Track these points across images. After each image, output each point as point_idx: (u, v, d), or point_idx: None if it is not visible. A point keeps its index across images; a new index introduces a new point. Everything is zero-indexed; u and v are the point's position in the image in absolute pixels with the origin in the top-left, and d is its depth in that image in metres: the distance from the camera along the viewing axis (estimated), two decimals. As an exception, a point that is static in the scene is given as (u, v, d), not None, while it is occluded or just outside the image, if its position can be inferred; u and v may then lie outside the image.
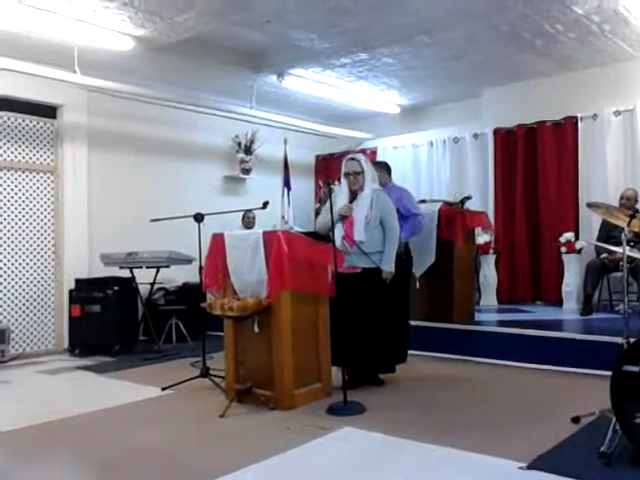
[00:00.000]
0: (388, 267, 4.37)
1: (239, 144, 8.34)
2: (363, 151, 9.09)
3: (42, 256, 6.58)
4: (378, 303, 4.40)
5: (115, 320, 6.27)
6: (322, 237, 4.37)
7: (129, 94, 6.74)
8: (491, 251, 7.23)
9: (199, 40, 5.85)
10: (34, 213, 6.52)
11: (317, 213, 8.09)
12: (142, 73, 6.67)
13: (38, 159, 6.58)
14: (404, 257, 4.79)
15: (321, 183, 8.80)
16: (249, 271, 4.15)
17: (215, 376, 4.59)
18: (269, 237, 4.06)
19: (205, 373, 4.62)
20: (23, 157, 6.46)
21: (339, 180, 4.45)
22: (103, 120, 6.97)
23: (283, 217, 8.58)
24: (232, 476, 2.87)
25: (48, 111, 6.64)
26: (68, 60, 5.85)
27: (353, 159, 4.54)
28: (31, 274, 6.48)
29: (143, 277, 6.44)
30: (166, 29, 5.54)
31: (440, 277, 5.80)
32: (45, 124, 6.64)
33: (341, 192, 4.48)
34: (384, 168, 5.17)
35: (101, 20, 5.31)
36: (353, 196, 4.45)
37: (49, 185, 6.66)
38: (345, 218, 4.39)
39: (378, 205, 4.41)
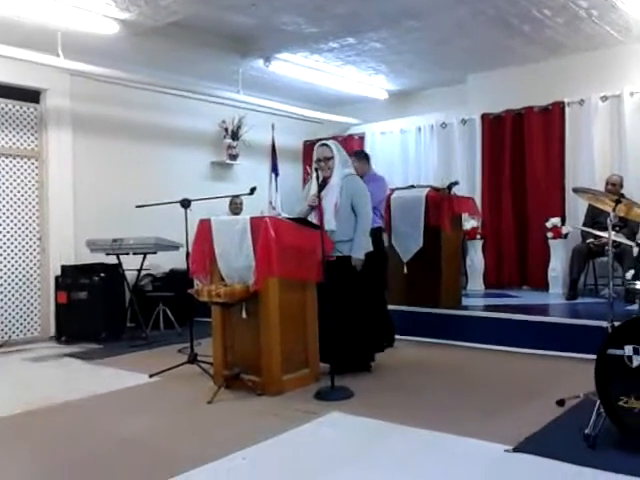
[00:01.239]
0: (358, 254, 4.33)
1: (226, 129, 8.27)
2: (351, 136, 9.10)
3: (27, 243, 6.51)
4: (355, 290, 4.39)
5: (102, 307, 6.23)
6: (310, 222, 4.35)
7: (114, 78, 6.66)
8: (478, 236, 7.27)
9: (184, 24, 5.79)
10: (18, 199, 6.44)
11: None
12: (127, 57, 6.58)
13: (22, 144, 6.49)
14: (376, 245, 4.71)
15: (309, 169, 8.75)
16: (236, 257, 4.14)
17: (203, 362, 4.58)
18: (256, 223, 4.04)
19: (193, 359, 4.62)
20: (6, 142, 6.36)
21: (312, 170, 4.40)
22: (88, 105, 6.88)
23: (271, 203, 8.55)
24: (220, 462, 2.87)
25: (31, 95, 6.53)
26: (51, 44, 5.76)
27: (324, 145, 4.49)
28: (16, 261, 6.41)
29: (130, 263, 6.39)
30: (151, 12, 5.46)
31: (427, 262, 5.82)
32: (28, 109, 6.54)
33: (312, 180, 4.44)
34: (364, 158, 5.16)
35: (85, 3, 5.22)
36: (324, 183, 4.37)
37: (33, 171, 6.57)
38: (315, 207, 4.32)
39: (348, 191, 4.37)
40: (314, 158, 4.48)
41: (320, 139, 9.04)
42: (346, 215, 4.37)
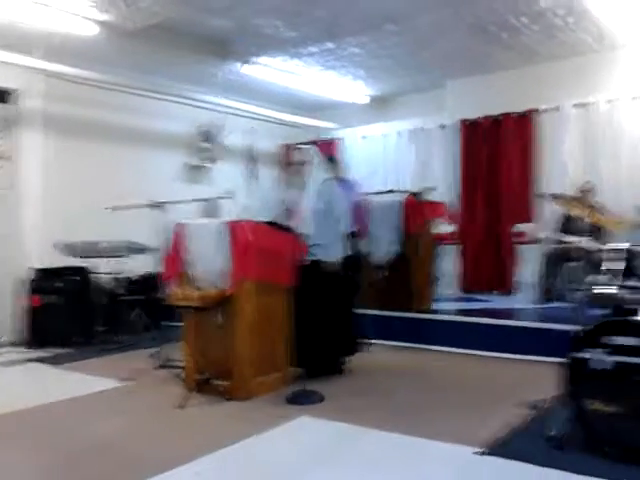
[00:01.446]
0: (334, 257, 4.36)
1: (203, 132, 8.22)
2: (330, 141, 9.10)
3: (-3, 245, 6.40)
4: (327, 294, 4.41)
5: (73, 311, 6.12)
6: (285, 226, 4.35)
7: (90, 80, 6.58)
8: (451, 241, 7.28)
9: (164, 26, 5.76)
10: (-12, 200, 6.33)
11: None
12: (107, 59, 6.50)
13: (-9, 145, 6.39)
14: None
15: (286, 173, 8.74)
16: (212, 260, 4.11)
17: (174, 367, 4.54)
18: (233, 226, 4.03)
19: (164, 364, 4.57)
20: (-25, 143, 6.26)
21: (292, 173, 4.43)
22: (62, 106, 6.77)
23: (247, 206, 8.49)
24: (187, 466, 2.85)
25: (2, 96, 6.42)
26: (26, 44, 5.68)
27: (301, 149, 4.60)
28: (-15, 264, 6.30)
29: (102, 267, 6.30)
30: (131, 14, 5.42)
31: (400, 267, 5.84)
32: (-1, 109, 6.45)
33: (291, 185, 4.47)
34: (333, 162, 5.21)
35: (65, 4, 5.16)
36: (301, 187, 4.44)
37: (4, 172, 6.46)
38: (291, 213, 4.36)
39: (324, 195, 4.43)
40: (292, 162, 4.49)
41: (299, 143, 9.07)
42: (322, 219, 4.38)
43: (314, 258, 4.33)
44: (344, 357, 4.61)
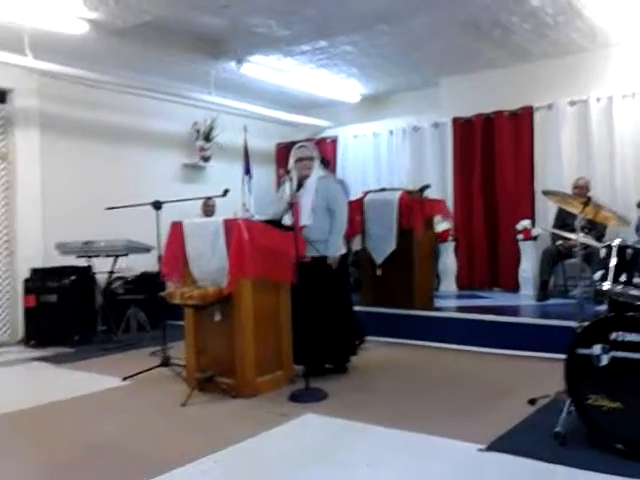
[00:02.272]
0: (333, 252, 4.41)
1: (198, 131, 8.22)
2: (324, 139, 9.12)
3: (-6, 246, 6.38)
4: (330, 290, 4.44)
5: (72, 310, 6.13)
6: (283, 225, 4.38)
7: (83, 79, 6.55)
8: (450, 238, 7.34)
9: (155, 25, 5.73)
10: (-15, 201, 6.31)
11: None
12: (97, 58, 6.48)
13: (-12, 145, 6.36)
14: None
15: (282, 171, 8.75)
16: (209, 259, 4.12)
17: (176, 365, 4.54)
18: (229, 225, 4.04)
19: (166, 362, 4.58)
20: (-28, 143, 6.24)
21: (287, 172, 4.45)
22: (57, 105, 6.76)
23: (244, 205, 8.50)
24: (192, 465, 2.85)
25: (-3, 95, 6.42)
26: (18, 43, 5.64)
27: (303, 146, 4.63)
28: (-18, 264, 6.27)
29: (101, 266, 6.30)
30: (121, 12, 5.39)
31: (400, 264, 5.86)
32: (-6, 108, 6.42)
33: (289, 181, 4.48)
34: (326, 165, 5.31)
35: (54, 2, 5.13)
36: (300, 184, 4.48)
37: (1, 172, 6.43)
38: (293, 206, 4.36)
39: (324, 192, 4.47)
40: (294, 158, 4.54)
41: (294, 142, 9.06)
42: (321, 215, 4.44)
43: (315, 255, 4.34)
44: (348, 355, 4.63)
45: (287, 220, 4.38)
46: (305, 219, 4.36)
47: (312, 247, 4.33)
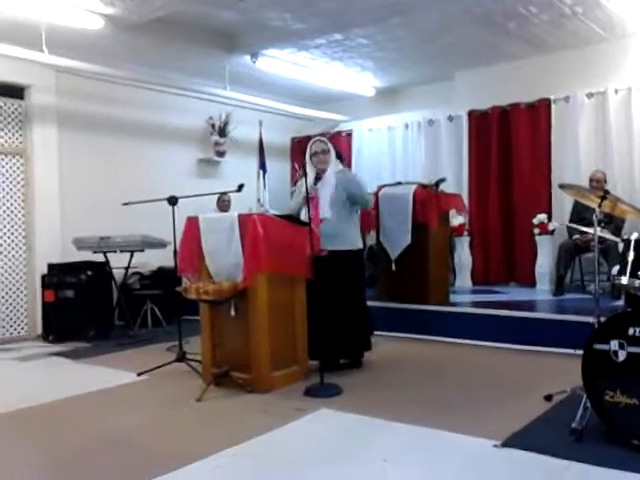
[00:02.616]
0: (351, 246, 4.48)
1: (213, 126, 8.24)
2: (339, 133, 9.10)
3: (12, 241, 6.45)
4: (347, 284, 4.45)
5: (89, 305, 6.20)
6: (298, 220, 4.37)
7: (99, 74, 6.60)
8: (465, 233, 7.30)
9: (171, 19, 5.75)
10: (3, 197, 6.37)
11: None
12: (113, 53, 6.53)
13: (6, 141, 6.42)
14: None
15: (297, 166, 8.75)
16: (224, 254, 4.13)
17: (192, 360, 4.57)
18: (244, 220, 4.04)
19: (181, 357, 4.60)
20: (-9, 139, 6.31)
21: (303, 167, 4.44)
22: (73, 101, 6.82)
23: (259, 200, 8.52)
24: (208, 460, 2.87)
25: (15, 91, 6.46)
26: (35, 39, 5.69)
27: (319, 140, 4.63)
28: (1, 259, 6.35)
29: (117, 261, 6.35)
30: (136, 8, 5.41)
31: (415, 259, 5.82)
32: (12, 105, 6.47)
33: (303, 177, 4.48)
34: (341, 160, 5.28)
35: (69, -3, 5.17)
36: (318, 177, 4.49)
37: (18, 168, 6.51)
38: (311, 200, 4.38)
39: (343, 184, 4.49)
40: (310, 152, 4.55)
41: (309, 136, 9.08)
42: (340, 208, 4.44)
43: (333, 248, 4.34)
44: (363, 350, 4.63)
45: (305, 214, 4.37)
46: (324, 211, 4.38)
47: (334, 240, 4.34)
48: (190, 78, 7.41)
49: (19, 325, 6.48)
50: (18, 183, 6.50)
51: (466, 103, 7.79)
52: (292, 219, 4.36)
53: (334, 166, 4.54)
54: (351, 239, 4.51)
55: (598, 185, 6.02)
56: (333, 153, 4.56)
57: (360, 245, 4.60)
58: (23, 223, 6.52)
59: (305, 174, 4.22)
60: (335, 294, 4.36)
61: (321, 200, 4.40)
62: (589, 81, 6.87)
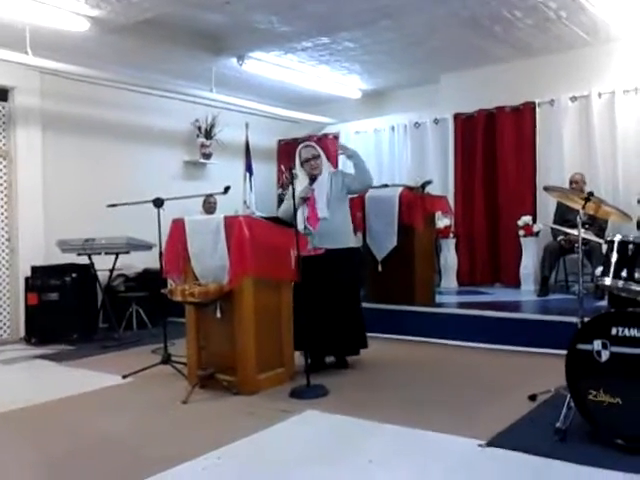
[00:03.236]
0: (344, 245, 4.46)
1: (199, 128, 8.22)
2: (325, 136, 9.11)
3: (-5, 243, 6.39)
4: (348, 281, 4.48)
5: (74, 308, 6.15)
6: (284, 222, 4.37)
7: (84, 77, 6.56)
8: (451, 235, 7.34)
9: (157, 22, 5.72)
10: (-14, 199, 6.32)
11: (280, 199, 8.08)
12: (98, 55, 6.48)
13: (-11, 143, 6.37)
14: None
15: (283, 168, 8.75)
16: (210, 256, 4.12)
17: (177, 362, 4.54)
18: (230, 222, 4.03)
19: (167, 360, 4.58)
20: (-27, 141, 6.24)
21: (289, 170, 4.44)
22: (58, 103, 6.77)
23: (245, 202, 8.52)
24: (194, 462, 2.85)
25: (-1, 93, 6.42)
26: (20, 41, 5.64)
27: (308, 145, 4.63)
28: (-16, 262, 6.29)
29: (102, 263, 6.31)
30: (122, 10, 5.38)
31: (401, 260, 5.85)
32: (-5, 107, 6.42)
33: (300, 179, 4.50)
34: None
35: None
36: (312, 180, 4.51)
37: (1, 170, 6.44)
38: (307, 200, 4.42)
39: (338, 180, 4.52)
40: (301, 159, 4.54)
41: (295, 138, 9.14)
42: (337, 207, 4.47)
43: (333, 247, 4.36)
44: (360, 347, 4.65)
45: (301, 214, 4.40)
46: (322, 212, 4.41)
47: (330, 238, 4.36)
48: (176, 80, 7.38)
49: (1, 328, 6.41)
50: (1, 185, 6.44)
51: (452, 106, 7.83)
52: (279, 221, 4.37)
53: (327, 168, 4.58)
54: (350, 237, 4.57)
55: (577, 186, 6.12)
56: (323, 156, 4.56)
57: (356, 243, 4.64)
58: (6, 225, 6.46)
59: (292, 179, 4.21)
60: (336, 291, 4.40)
61: (318, 201, 4.42)
62: (573, 85, 6.94)
